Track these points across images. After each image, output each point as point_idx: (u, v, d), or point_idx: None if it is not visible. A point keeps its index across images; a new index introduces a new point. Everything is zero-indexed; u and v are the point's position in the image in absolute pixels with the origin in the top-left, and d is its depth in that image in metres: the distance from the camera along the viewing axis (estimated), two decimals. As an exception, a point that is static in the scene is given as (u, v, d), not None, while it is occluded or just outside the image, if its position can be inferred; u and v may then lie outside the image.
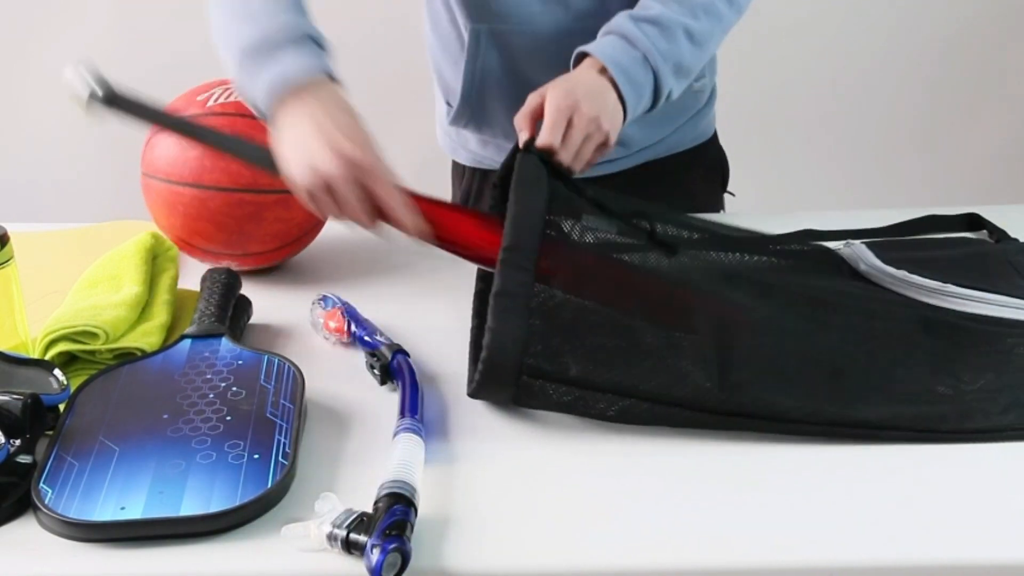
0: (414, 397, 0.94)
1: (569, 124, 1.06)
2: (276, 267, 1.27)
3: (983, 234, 1.31)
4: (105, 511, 0.79)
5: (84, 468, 0.84)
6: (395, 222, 1.02)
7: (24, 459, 0.85)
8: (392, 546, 0.73)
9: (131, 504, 0.80)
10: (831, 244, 1.22)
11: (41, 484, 0.82)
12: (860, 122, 2.62)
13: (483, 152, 1.44)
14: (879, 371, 0.98)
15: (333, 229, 1.36)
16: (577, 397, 0.92)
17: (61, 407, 0.91)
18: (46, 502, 0.80)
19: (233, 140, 1.11)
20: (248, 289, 1.14)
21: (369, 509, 0.78)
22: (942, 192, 2.56)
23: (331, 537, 0.76)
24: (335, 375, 1.02)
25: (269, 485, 0.82)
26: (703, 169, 1.47)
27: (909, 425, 0.92)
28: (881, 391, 0.95)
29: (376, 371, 1.00)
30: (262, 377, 0.96)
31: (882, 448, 0.91)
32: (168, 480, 0.82)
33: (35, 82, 2.50)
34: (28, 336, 1.01)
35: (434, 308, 1.15)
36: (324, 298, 1.11)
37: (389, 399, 0.98)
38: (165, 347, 1.01)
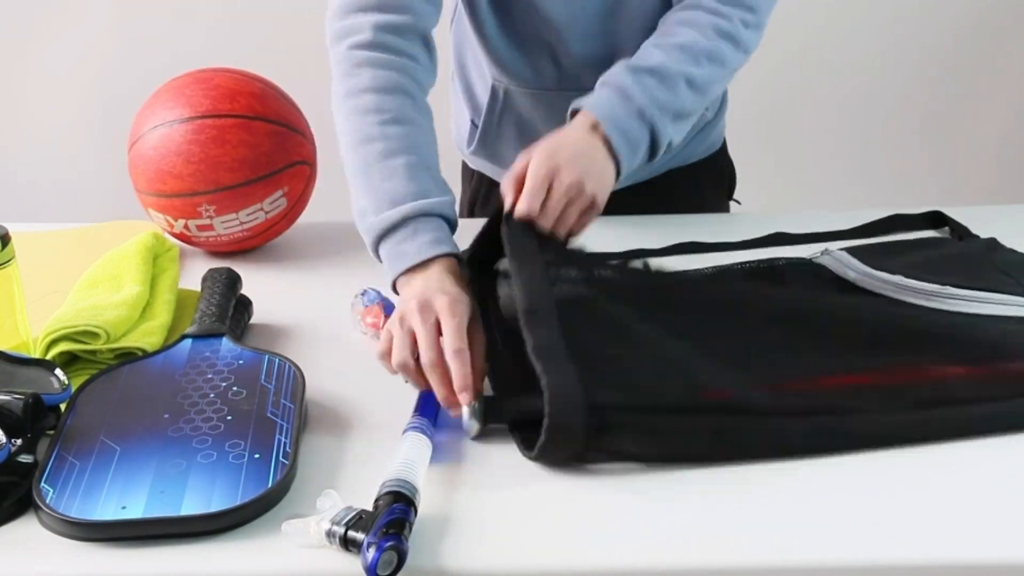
0: (428, 397, 0.94)
1: (549, 190, 1.02)
2: (276, 267, 1.27)
3: (946, 231, 1.31)
4: (106, 510, 0.79)
5: (85, 468, 0.84)
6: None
7: (25, 459, 0.85)
8: (388, 544, 0.73)
9: (132, 504, 0.80)
10: (807, 251, 1.22)
11: (42, 483, 0.82)
12: (865, 124, 2.62)
13: (495, 168, 1.45)
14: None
15: (323, 223, 1.37)
16: (652, 432, 0.88)
17: (62, 407, 0.91)
18: (47, 501, 0.80)
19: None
20: (248, 289, 1.14)
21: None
22: (949, 194, 2.56)
23: (329, 534, 0.76)
24: (336, 375, 1.02)
25: (270, 485, 0.82)
26: (712, 179, 1.48)
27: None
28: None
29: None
30: (263, 377, 0.96)
31: (882, 448, 0.91)
32: (169, 480, 0.82)
33: (35, 82, 2.50)
34: (29, 336, 1.01)
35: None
36: (365, 292, 1.11)
37: (390, 399, 0.98)
38: (166, 347, 1.01)
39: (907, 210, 1.34)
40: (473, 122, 1.42)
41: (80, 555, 0.78)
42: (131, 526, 0.79)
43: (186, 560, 0.78)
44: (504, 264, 1.03)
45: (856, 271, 1.15)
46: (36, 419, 0.86)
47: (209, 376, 0.96)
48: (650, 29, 1.20)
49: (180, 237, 1.27)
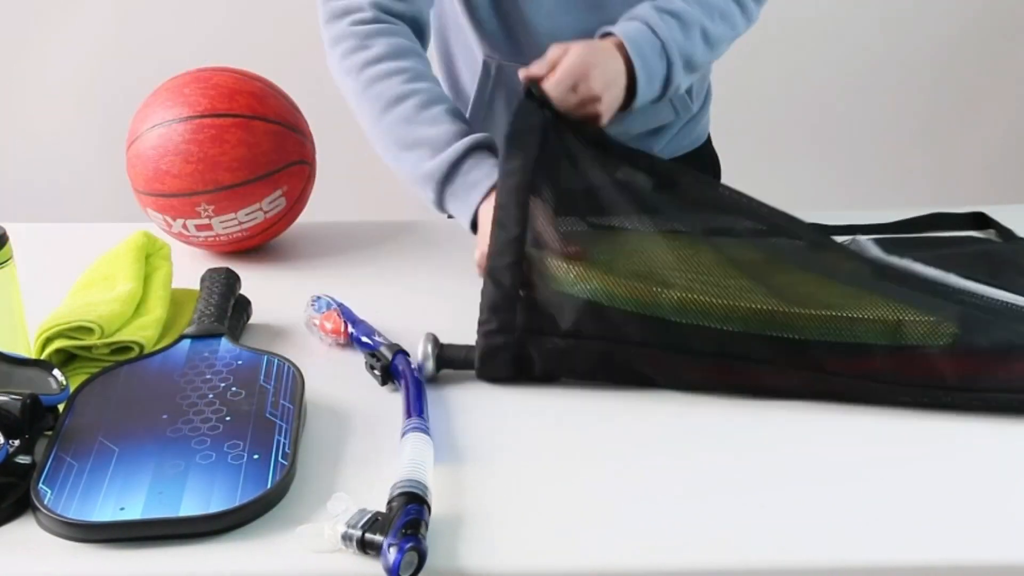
0: (419, 397, 0.94)
1: (573, 88, 1.10)
2: (275, 267, 1.27)
3: (991, 233, 1.31)
4: (104, 511, 0.79)
5: (83, 468, 0.83)
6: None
7: (23, 459, 0.85)
8: (409, 545, 0.73)
9: (130, 504, 0.80)
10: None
11: (40, 484, 0.82)
12: (857, 122, 2.62)
13: None
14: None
15: (323, 223, 1.37)
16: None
17: (60, 407, 0.91)
18: (45, 502, 0.80)
19: None
20: (248, 289, 1.14)
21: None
22: (942, 194, 2.56)
23: (346, 537, 0.76)
24: (335, 375, 1.02)
25: (269, 485, 0.82)
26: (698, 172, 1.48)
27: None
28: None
29: (377, 372, 1.00)
30: (262, 377, 0.96)
31: (882, 449, 0.91)
32: (168, 480, 0.82)
33: (34, 82, 2.50)
34: (27, 336, 1.01)
35: (434, 307, 1.14)
36: (317, 299, 1.11)
37: (389, 399, 0.98)
38: (164, 347, 1.01)
39: (907, 209, 1.34)
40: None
41: (78, 556, 0.78)
42: (129, 527, 0.79)
43: (185, 561, 0.77)
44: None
45: (870, 255, 1.18)
46: (34, 420, 0.86)
47: (208, 377, 0.96)
48: None
49: (179, 237, 1.27)
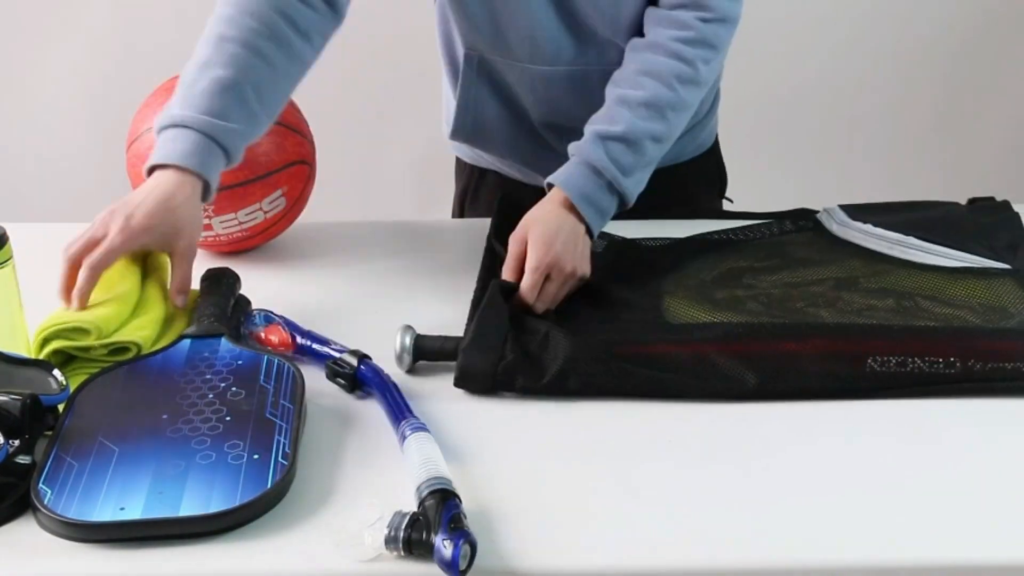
0: (401, 399, 0.94)
1: (547, 278, 1.10)
2: (275, 267, 1.27)
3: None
4: (104, 511, 0.79)
5: (83, 468, 0.83)
6: None
7: (23, 459, 0.85)
8: (462, 539, 0.75)
9: (131, 504, 0.80)
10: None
11: (40, 484, 0.82)
12: (859, 123, 2.61)
13: (482, 156, 1.47)
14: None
15: (323, 223, 1.37)
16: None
17: (60, 407, 0.91)
18: (45, 502, 0.80)
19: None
20: (248, 289, 1.13)
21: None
22: (951, 194, 2.56)
23: (391, 540, 0.77)
24: (335, 375, 1.02)
25: (269, 485, 0.82)
26: (704, 177, 1.49)
27: None
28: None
29: (342, 380, 0.99)
30: (262, 377, 0.96)
31: (882, 448, 0.91)
32: (168, 480, 0.82)
33: (34, 81, 2.50)
34: (27, 336, 1.01)
35: (434, 307, 1.14)
36: (250, 315, 1.08)
37: (389, 399, 0.98)
38: (164, 347, 1.01)
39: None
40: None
41: (78, 556, 0.78)
42: (129, 527, 0.79)
43: (185, 561, 0.77)
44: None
45: (839, 223, 1.27)
46: (34, 420, 0.86)
47: (208, 377, 0.96)
48: (614, 17, 1.24)
49: (179, 237, 1.26)
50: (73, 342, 0.98)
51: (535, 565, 0.78)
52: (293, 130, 1.27)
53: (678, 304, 1.13)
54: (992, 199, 1.33)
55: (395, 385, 0.96)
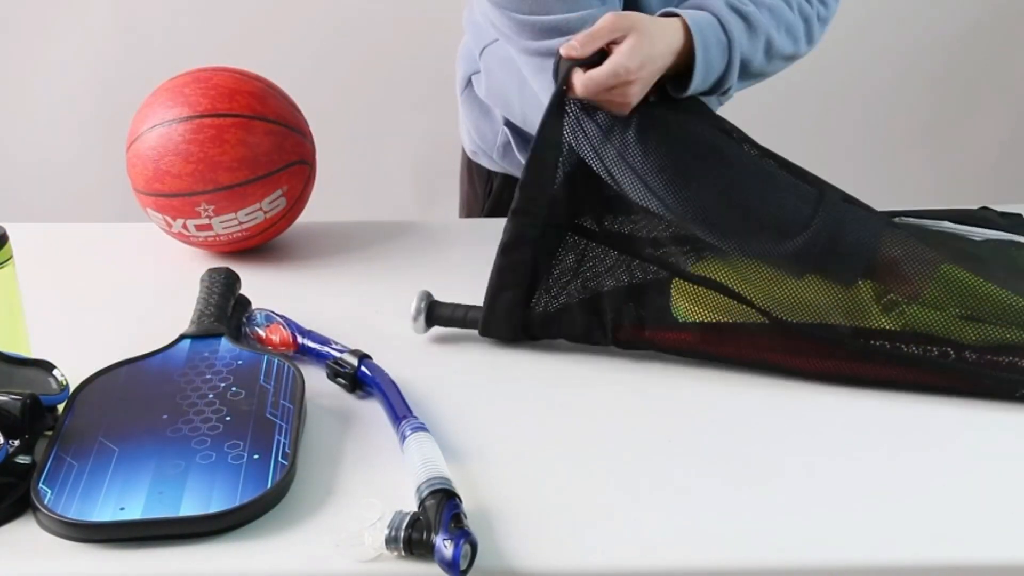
0: (401, 399, 0.94)
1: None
2: (275, 267, 1.27)
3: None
4: (104, 511, 0.79)
5: (83, 468, 0.83)
6: None
7: (23, 459, 0.85)
8: (463, 539, 0.75)
9: (131, 504, 0.80)
10: None
11: (40, 484, 0.82)
12: (858, 124, 2.62)
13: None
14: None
15: (323, 223, 1.37)
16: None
17: (60, 407, 0.91)
18: (45, 502, 0.80)
19: None
20: (248, 289, 1.14)
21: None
22: (943, 194, 2.56)
23: (391, 540, 0.77)
24: (335, 375, 1.02)
25: (269, 485, 0.82)
26: None
27: None
28: None
29: (343, 380, 0.99)
30: (262, 377, 0.96)
31: (883, 448, 0.91)
32: (168, 480, 0.82)
33: (34, 81, 2.50)
34: (27, 336, 1.01)
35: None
36: (251, 315, 1.08)
37: (389, 399, 0.98)
38: (164, 347, 1.01)
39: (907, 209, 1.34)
40: (509, 127, 1.40)
41: (78, 556, 0.78)
42: (130, 527, 0.79)
43: (185, 561, 0.77)
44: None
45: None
46: (34, 420, 0.86)
47: (208, 376, 0.96)
48: None
49: (179, 237, 1.27)
50: None
51: (535, 565, 0.78)
52: (293, 130, 1.27)
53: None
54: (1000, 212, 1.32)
55: (395, 385, 0.96)
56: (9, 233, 0.98)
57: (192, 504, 0.80)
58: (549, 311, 1.07)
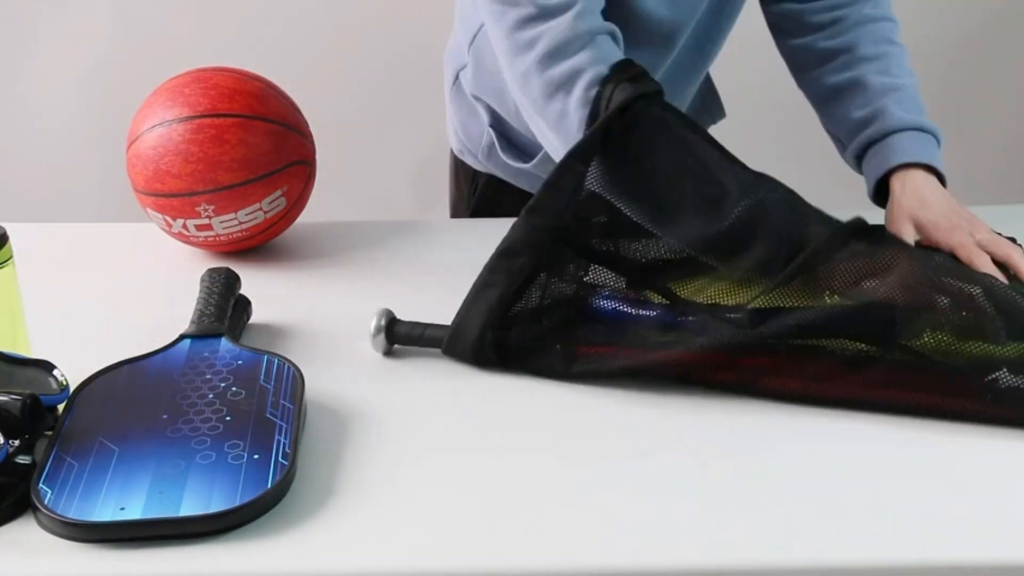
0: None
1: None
2: (275, 267, 1.27)
3: None
4: (104, 511, 0.79)
5: (83, 468, 0.83)
6: None
7: (23, 459, 0.85)
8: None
9: (131, 504, 0.80)
10: None
11: (40, 484, 0.82)
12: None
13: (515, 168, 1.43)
14: None
15: (323, 223, 1.37)
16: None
17: (60, 407, 0.91)
18: (45, 502, 0.80)
19: None
20: (248, 289, 1.14)
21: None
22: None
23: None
24: (335, 375, 1.02)
25: (269, 485, 0.82)
26: None
27: None
28: None
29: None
30: (262, 377, 0.96)
31: (883, 448, 0.91)
32: (168, 480, 0.82)
33: (34, 81, 2.50)
34: (27, 336, 1.01)
35: (434, 308, 1.14)
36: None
37: (389, 399, 0.98)
38: (164, 347, 1.01)
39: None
40: (494, 128, 1.39)
41: (78, 556, 0.78)
42: (130, 527, 0.79)
43: (185, 561, 0.77)
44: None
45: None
46: (34, 420, 0.86)
47: (208, 376, 0.96)
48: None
49: (179, 237, 1.27)
50: None
51: (535, 565, 0.78)
52: (293, 130, 1.27)
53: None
54: None
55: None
56: (9, 233, 0.98)
57: (192, 504, 0.80)
58: (527, 337, 1.03)
